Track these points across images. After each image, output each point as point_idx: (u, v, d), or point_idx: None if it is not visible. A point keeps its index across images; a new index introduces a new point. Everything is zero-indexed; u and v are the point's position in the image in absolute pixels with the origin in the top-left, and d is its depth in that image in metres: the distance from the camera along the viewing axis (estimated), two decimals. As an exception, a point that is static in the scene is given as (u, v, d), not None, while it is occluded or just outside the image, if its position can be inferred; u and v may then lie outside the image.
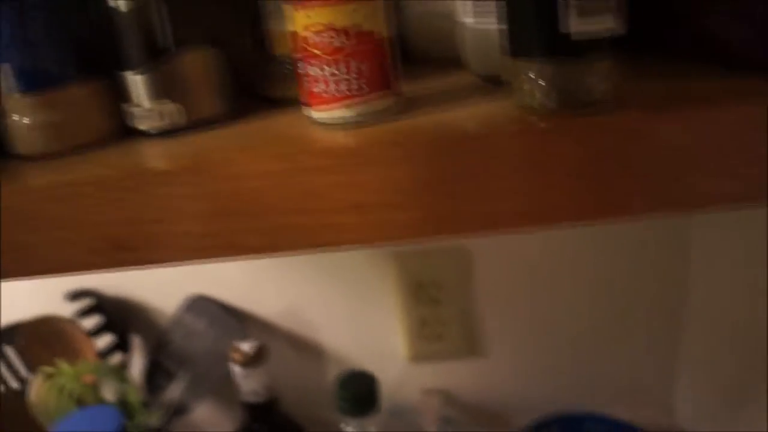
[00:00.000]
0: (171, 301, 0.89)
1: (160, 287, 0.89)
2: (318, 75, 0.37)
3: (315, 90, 0.37)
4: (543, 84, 0.35)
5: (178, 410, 0.84)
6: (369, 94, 0.37)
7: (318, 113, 0.38)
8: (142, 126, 0.43)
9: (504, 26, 0.37)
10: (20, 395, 0.83)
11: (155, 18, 0.41)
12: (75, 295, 0.88)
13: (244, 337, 0.84)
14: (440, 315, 0.87)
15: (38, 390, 0.82)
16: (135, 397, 0.81)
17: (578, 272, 0.85)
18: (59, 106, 0.43)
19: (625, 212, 0.35)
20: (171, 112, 0.43)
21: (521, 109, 0.37)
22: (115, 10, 0.41)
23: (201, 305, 0.88)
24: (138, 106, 0.43)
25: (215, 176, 0.35)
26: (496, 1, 0.42)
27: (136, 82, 0.43)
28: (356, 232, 0.35)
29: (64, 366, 0.77)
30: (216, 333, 0.87)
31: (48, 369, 0.77)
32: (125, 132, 0.45)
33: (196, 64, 0.44)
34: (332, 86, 0.37)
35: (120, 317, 0.89)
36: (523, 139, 0.34)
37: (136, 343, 0.92)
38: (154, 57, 0.42)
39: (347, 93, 0.37)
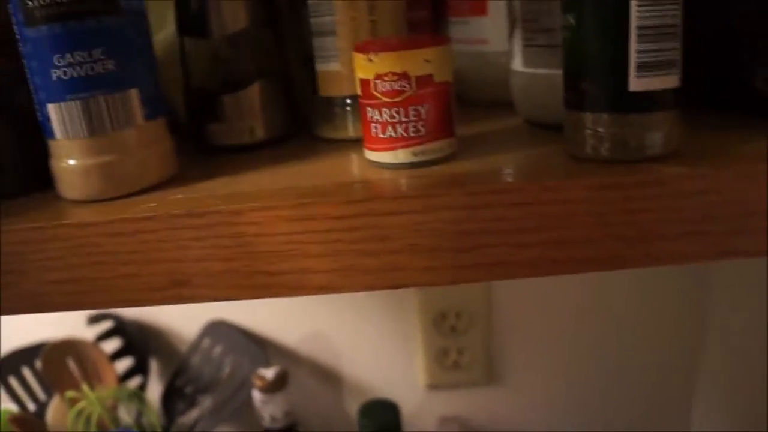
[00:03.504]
0: (191, 325, 0.89)
1: (180, 311, 0.90)
2: (382, 119, 0.38)
3: (378, 134, 0.38)
4: (600, 134, 0.36)
5: (196, 435, 0.84)
6: (430, 138, 0.38)
7: (380, 156, 0.39)
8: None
9: (563, 76, 0.38)
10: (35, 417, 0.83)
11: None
12: (95, 318, 0.88)
13: (264, 363, 0.84)
14: (460, 344, 0.87)
15: (57, 413, 0.82)
16: (154, 420, 0.81)
17: (598, 304, 0.86)
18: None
19: (675, 260, 0.36)
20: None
21: (574, 156, 0.38)
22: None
23: (220, 330, 0.89)
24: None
25: (284, 218, 0.35)
26: (547, 48, 0.43)
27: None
28: (419, 274, 0.36)
29: (86, 390, 0.77)
30: (235, 358, 0.87)
31: (71, 393, 0.77)
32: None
33: (259, 93, 0.48)
34: (395, 130, 0.38)
35: (139, 341, 0.90)
36: (584, 190, 0.35)
37: (155, 367, 0.92)
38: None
39: (409, 137, 0.38)
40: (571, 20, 0.36)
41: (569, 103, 0.38)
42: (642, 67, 0.35)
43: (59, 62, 0.37)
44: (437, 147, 0.39)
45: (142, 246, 0.37)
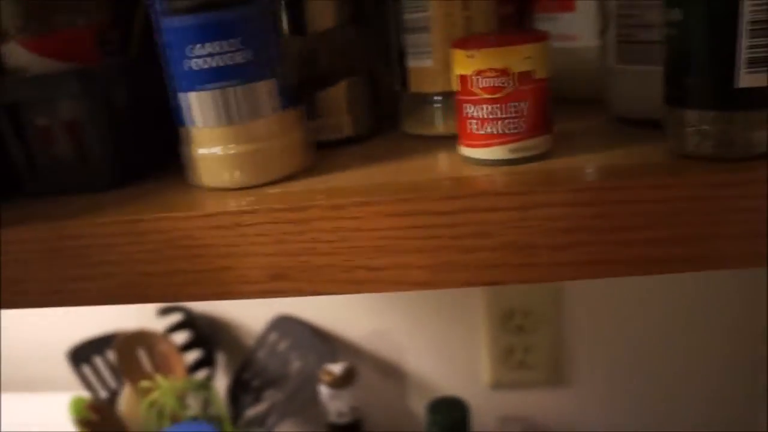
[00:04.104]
0: (258, 319, 0.90)
1: (248, 305, 0.91)
2: (482, 116, 0.38)
3: (476, 130, 0.38)
4: (704, 132, 0.36)
5: (262, 429, 0.85)
6: (528, 135, 0.38)
7: (477, 152, 0.39)
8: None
9: (664, 71, 0.37)
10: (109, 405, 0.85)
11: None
12: (165, 311, 0.90)
13: (330, 359, 0.85)
14: (526, 343, 0.87)
15: (129, 402, 0.84)
16: (223, 412, 0.82)
17: (666, 306, 0.84)
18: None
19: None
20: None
21: (675, 153, 0.37)
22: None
23: (287, 325, 0.89)
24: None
25: (384, 213, 0.36)
26: (642, 45, 0.42)
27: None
28: (516, 271, 0.36)
29: (161, 381, 0.79)
30: (301, 353, 0.88)
31: (145, 383, 0.79)
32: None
33: (347, 90, 0.48)
34: (494, 127, 0.38)
35: (207, 334, 0.91)
36: (689, 188, 0.34)
37: (222, 360, 0.93)
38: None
39: (508, 133, 0.38)
40: (678, 15, 0.35)
41: (672, 100, 0.37)
42: (751, 62, 0.34)
43: (196, 52, 0.38)
44: (535, 144, 0.39)
45: (240, 239, 0.38)
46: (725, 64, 0.34)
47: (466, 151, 0.40)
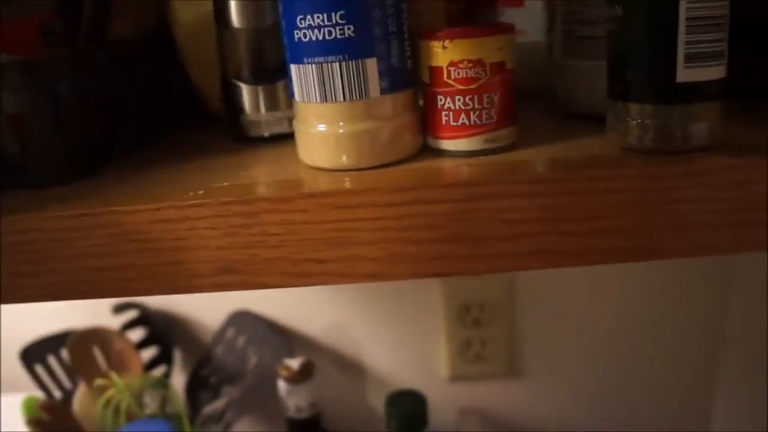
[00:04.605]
0: (215, 315, 0.90)
1: (204, 301, 0.90)
2: (455, 107, 0.38)
3: (450, 122, 0.39)
4: (644, 125, 0.36)
5: (220, 425, 0.85)
6: (499, 125, 0.39)
7: (450, 144, 0.39)
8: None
9: (607, 66, 0.38)
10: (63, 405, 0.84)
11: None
12: (121, 307, 0.89)
13: (287, 354, 0.85)
14: (483, 336, 0.88)
15: (83, 401, 0.83)
16: (181, 409, 0.82)
17: (621, 298, 0.86)
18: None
19: (720, 250, 0.37)
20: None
21: (617, 146, 0.38)
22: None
23: (244, 321, 0.89)
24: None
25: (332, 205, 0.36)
26: (587, 40, 0.43)
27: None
28: (463, 263, 0.37)
29: (116, 378, 0.78)
30: (259, 349, 0.87)
31: (100, 381, 0.78)
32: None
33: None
34: (467, 118, 0.38)
35: (163, 330, 0.90)
36: (629, 180, 0.35)
37: (179, 356, 0.93)
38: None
39: (482, 124, 0.38)
40: (618, 11, 0.36)
41: (614, 94, 0.38)
42: (690, 58, 0.35)
43: (301, 23, 0.37)
44: (505, 134, 0.40)
45: (188, 234, 0.38)
46: (665, 59, 0.35)
47: (437, 143, 0.40)
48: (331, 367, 0.92)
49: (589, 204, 0.36)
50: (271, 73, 0.48)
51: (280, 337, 0.88)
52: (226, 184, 0.39)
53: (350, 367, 0.92)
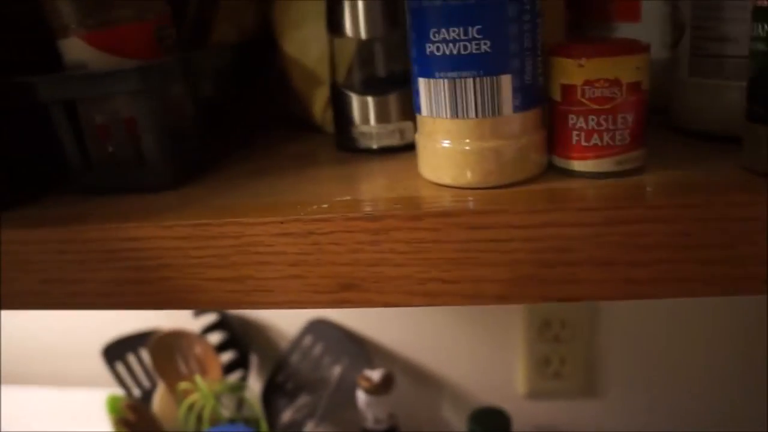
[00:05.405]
0: (292, 322, 0.90)
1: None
2: (587, 127, 0.37)
3: (581, 142, 0.38)
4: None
5: None
6: (632, 147, 0.38)
7: (580, 164, 0.38)
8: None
9: (748, 86, 0.37)
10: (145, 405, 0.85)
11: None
12: (201, 311, 0.90)
13: (364, 364, 0.84)
14: (562, 353, 0.86)
15: (163, 402, 0.84)
16: (259, 414, 0.82)
17: (702, 319, 0.84)
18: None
19: None
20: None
21: (752, 171, 0.37)
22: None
23: (322, 329, 0.89)
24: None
25: (463, 225, 0.35)
26: (717, 58, 0.42)
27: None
28: (595, 288, 0.35)
29: (200, 382, 0.78)
30: (335, 358, 0.87)
31: (184, 384, 0.79)
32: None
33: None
34: (600, 138, 0.37)
35: (241, 335, 0.91)
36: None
37: (254, 361, 0.93)
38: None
39: (615, 145, 0.37)
40: (765, 30, 0.35)
41: (754, 117, 0.36)
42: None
43: (434, 37, 0.36)
44: (637, 156, 0.38)
45: (312, 249, 0.37)
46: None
47: (565, 163, 0.39)
48: (407, 379, 0.91)
49: (726, 231, 0.34)
50: (383, 84, 0.48)
51: (358, 347, 0.88)
52: (348, 198, 0.39)
53: (426, 380, 0.91)
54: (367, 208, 0.36)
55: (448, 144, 0.38)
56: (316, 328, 0.89)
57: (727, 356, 0.85)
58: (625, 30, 0.51)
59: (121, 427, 0.75)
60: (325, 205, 0.38)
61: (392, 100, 0.47)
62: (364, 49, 0.48)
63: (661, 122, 0.48)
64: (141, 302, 0.42)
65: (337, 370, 0.86)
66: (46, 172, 0.49)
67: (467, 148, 0.37)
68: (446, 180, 0.39)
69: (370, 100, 0.48)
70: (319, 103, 0.54)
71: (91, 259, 0.41)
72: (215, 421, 0.78)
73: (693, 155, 0.41)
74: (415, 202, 0.37)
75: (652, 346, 0.86)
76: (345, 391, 0.84)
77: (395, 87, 0.47)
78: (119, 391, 0.88)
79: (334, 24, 0.47)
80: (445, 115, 0.37)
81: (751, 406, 0.87)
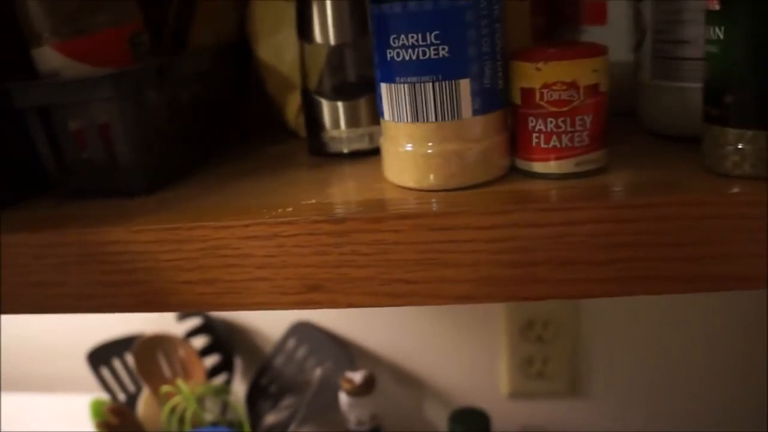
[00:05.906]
0: (275, 325, 0.91)
1: (266, 311, 0.91)
2: (546, 129, 0.38)
3: (541, 144, 0.38)
4: (743, 151, 0.35)
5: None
6: (591, 148, 0.38)
7: (539, 166, 0.39)
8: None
9: (704, 89, 0.37)
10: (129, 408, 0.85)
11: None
12: (184, 314, 0.90)
13: (348, 366, 0.85)
14: (546, 353, 0.86)
15: (147, 406, 0.84)
16: (243, 417, 0.82)
17: (686, 319, 0.84)
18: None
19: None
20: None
21: (711, 171, 0.37)
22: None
23: (305, 332, 0.89)
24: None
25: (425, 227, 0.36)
26: (678, 61, 0.42)
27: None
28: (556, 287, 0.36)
29: (182, 385, 0.79)
30: (319, 360, 0.88)
31: (166, 387, 0.79)
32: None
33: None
34: (559, 140, 0.38)
35: (226, 339, 0.91)
36: (728, 206, 0.34)
37: (240, 365, 0.94)
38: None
39: (573, 147, 0.38)
40: (719, 33, 0.35)
41: (710, 118, 0.37)
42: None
43: (395, 43, 0.37)
44: (597, 157, 0.39)
45: (277, 251, 0.38)
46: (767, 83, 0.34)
47: (527, 165, 0.40)
48: (390, 381, 0.91)
49: (686, 230, 0.35)
50: (354, 89, 0.48)
51: (341, 349, 0.88)
52: (313, 201, 0.40)
53: (409, 381, 0.91)
54: (332, 211, 0.37)
55: (411, 148, 0.39)
56: (299, 330, 0.89)
57: (714, 355, 0.85)
58: (594, 33, 0.52)
59: (102, 429, 0.75)
60: (290, 209, 0.38)
61: (362, 104, 0.48)
62: (334, 55, 0.48)
63: (630, 124, 0.49)
64: (117, 305, 0.43)
65: (320, 373, 0.86)
66: (27, 176, 0.49)
67: (429, 151, 0.38)
68: (410, 183, 0.39)
69: (340, 105, 0.48)
70: (293, 108, 0.55)
71: (68, 263, 0.42)
72: (197, 424, 0.78)
73: (656, 156, 0.42)
74: (378, 205, 0.38)
75: (636, 346, 0.86)
76: (328, 393, 0.84)
77: (365, 92, 0.48)
78: (105, 396, 0.88)
79: (304, 30, 0.48)
80: (406, 120, 0.38)
81: (738, 407, 0.87)
